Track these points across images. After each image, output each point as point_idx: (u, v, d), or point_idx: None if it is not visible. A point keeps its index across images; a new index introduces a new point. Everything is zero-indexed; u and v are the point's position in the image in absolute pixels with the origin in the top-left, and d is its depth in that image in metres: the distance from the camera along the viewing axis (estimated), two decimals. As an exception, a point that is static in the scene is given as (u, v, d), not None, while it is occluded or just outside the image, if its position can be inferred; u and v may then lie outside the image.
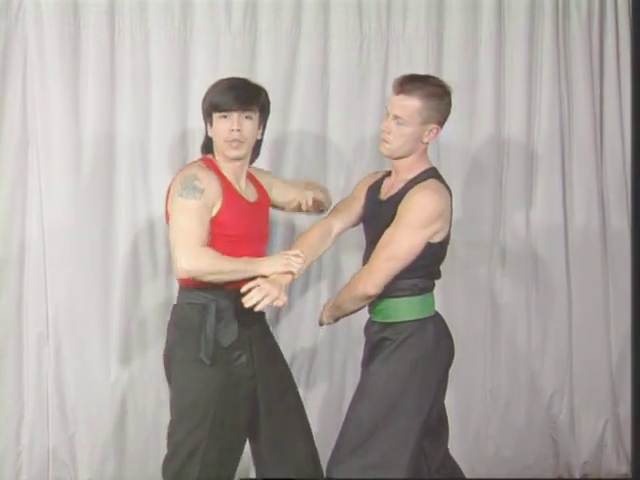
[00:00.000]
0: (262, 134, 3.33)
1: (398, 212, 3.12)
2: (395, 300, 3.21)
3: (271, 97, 4.18)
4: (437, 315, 3.30)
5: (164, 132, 4.15)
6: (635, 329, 3.51)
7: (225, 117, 3.15)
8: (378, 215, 3.24)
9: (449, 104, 3.20)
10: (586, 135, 4.56)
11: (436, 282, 3.37)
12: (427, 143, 3.17)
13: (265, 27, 4.23)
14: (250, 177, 3.39)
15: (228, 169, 3.26)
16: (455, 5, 4.38)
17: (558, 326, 4.57)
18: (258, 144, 3.35)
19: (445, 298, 4.19)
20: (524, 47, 4.44)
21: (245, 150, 3.24)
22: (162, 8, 4.13)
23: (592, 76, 4.55)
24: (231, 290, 3.15)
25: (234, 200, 3.22)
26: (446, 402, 4.43)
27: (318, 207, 3.49)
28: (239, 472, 4.23)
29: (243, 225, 3.20)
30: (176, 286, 3.44)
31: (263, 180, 3.43)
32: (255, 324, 3.24)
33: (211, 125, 3.23)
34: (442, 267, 4.42)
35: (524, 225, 4.50)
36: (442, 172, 4.43)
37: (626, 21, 4.54)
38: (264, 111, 3.30)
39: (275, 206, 3.50)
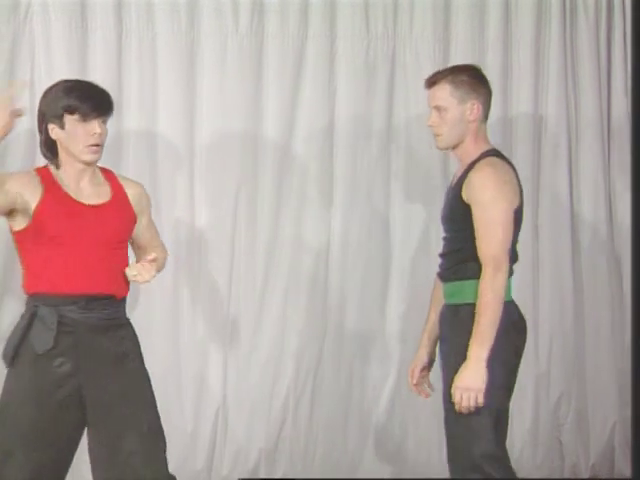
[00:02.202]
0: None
1: (471, 203, 3.14)
2: (463, 283, 3.20)
3: (278, 97, 4.31)
4: (512, 303, 3.23)
5: (171, 131, 4.20)
6: (635, 331, 3.52)
7: (84, 121, 3.09)
8: (446, 201, 3.31)
9: (482, 79, 3.28)
10: (593, 135, 4.58)
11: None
12: (474, 121, 3.23)
13: (272, 28, 4.27)
14: (109, 179, 3.26)
15: (69, 172, 3.14)
16: (462, 6, 4.42)
17: (565, 327, 4.57)
18: None
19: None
20: (531, 48, 4.47)
21: (101, 154, 3.18)
22: (169, 10, 4.18)
23: (599, 76, 4.57)
24: (56, 296, 3.08)
25: (58, 200, 3.11)
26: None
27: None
28: (240, 473, 4.31)
29: (71, 225, 3.10)
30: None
31: (135, 199, 3.27)
32: (90, 334, 3.11)
33: (61, 127, 3.10)
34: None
35: (530, 224, 4.51)
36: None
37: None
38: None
39: None
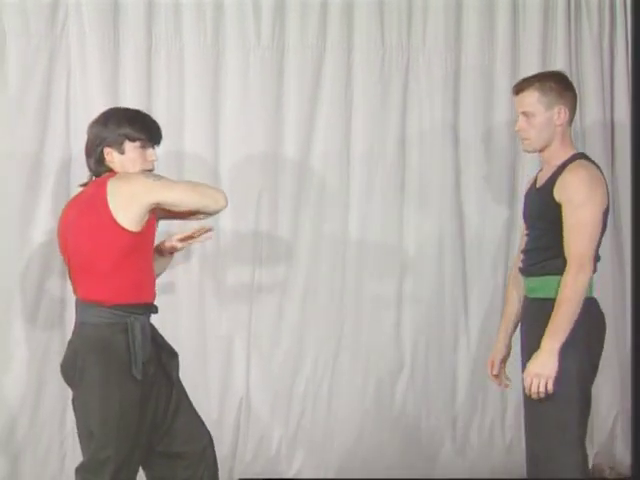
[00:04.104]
0: None
1: (563, 202, 3.22)
2: (551, 278, 3.26)
3: (298, 106, 4.44)
4: (593, 299, 3.31)
5: (196, 141, 4.36)
6: (635, 331, 3.63)
7: (143, 147, 3.30)
8: (534, 201, 3.36)
9: (568, 85, 3.36)
10: (597, 138, 4.71)
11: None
12: (561, 125, 3.31)
13: (292, 40, 4.43)
14: None
15: None
16: (471, 19, 4.57)
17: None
18: None
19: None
20: (537, 57, 4.61)
21: None
22: (195, 23, 4.35)
23: (602, 80, 4.69)
24: (143, 306, 3.26)
25: None
26: (462, 394, 4.66)
27: None
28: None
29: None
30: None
31: None
32: (152, 334, 3.31)
33: (121, 153, 3.28)
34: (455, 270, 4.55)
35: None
36: (462, 184, 4.54)
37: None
38: None
39: None
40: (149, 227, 3.24)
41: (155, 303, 3.33)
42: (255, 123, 4.41)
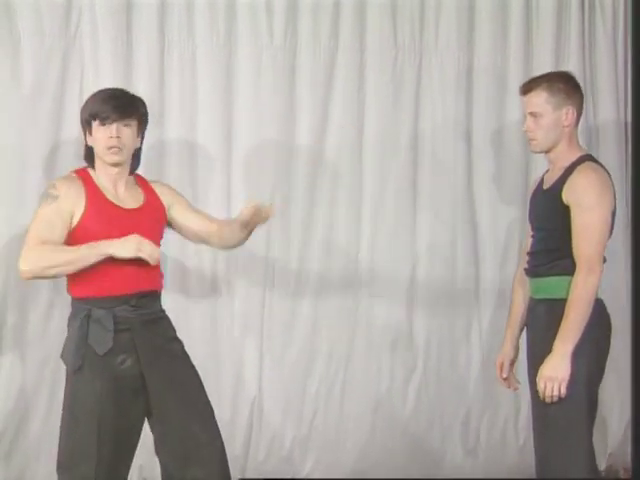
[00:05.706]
0: (141, 143, 3.39)
1: (571, 205, 3.23)
2: (560, 278, 3.27)
3: (310, 106, 4.45)
4: (599, 300, 3.30)
5: (209, 140, 4.37)
6: (635, 332, 3.65)
7: (104, 125, 3.22)
8: (541, 202, 3.37)
9: (576, 86, 3.36)
10: (612, 138, 4.72)
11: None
12: (569, 126, 3.32)
13: (304, 41, 4.44)
14: (141, 184, 3.42)
15: (105, 177, 3.31)
16: (484, 19, 4.59)
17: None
18: (137, 152, 3.40)
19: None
20: (550, 56, 4.62)
21: (124, 156, 3.29)
22: (208, 24, 4.36)
23: (617, 80, 4.70)
24: (109, 298, 3.23)
25: (101, 207, 3.26)
26: (475, 394, 4.67)
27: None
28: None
29: (113, 231, 3.22)
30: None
31: (164, 194, 3.45)
32: (142, 328, 3.28)
33: (91, 134, 3.27)
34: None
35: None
36: (474, 183, 4.56)
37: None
38: (142, 120, 3.36)
39: (172, 226, 3.49)
40: (78, 232, 3.22)
41: (132, 295, 3.27)
42: (267, 123, 4.43)
